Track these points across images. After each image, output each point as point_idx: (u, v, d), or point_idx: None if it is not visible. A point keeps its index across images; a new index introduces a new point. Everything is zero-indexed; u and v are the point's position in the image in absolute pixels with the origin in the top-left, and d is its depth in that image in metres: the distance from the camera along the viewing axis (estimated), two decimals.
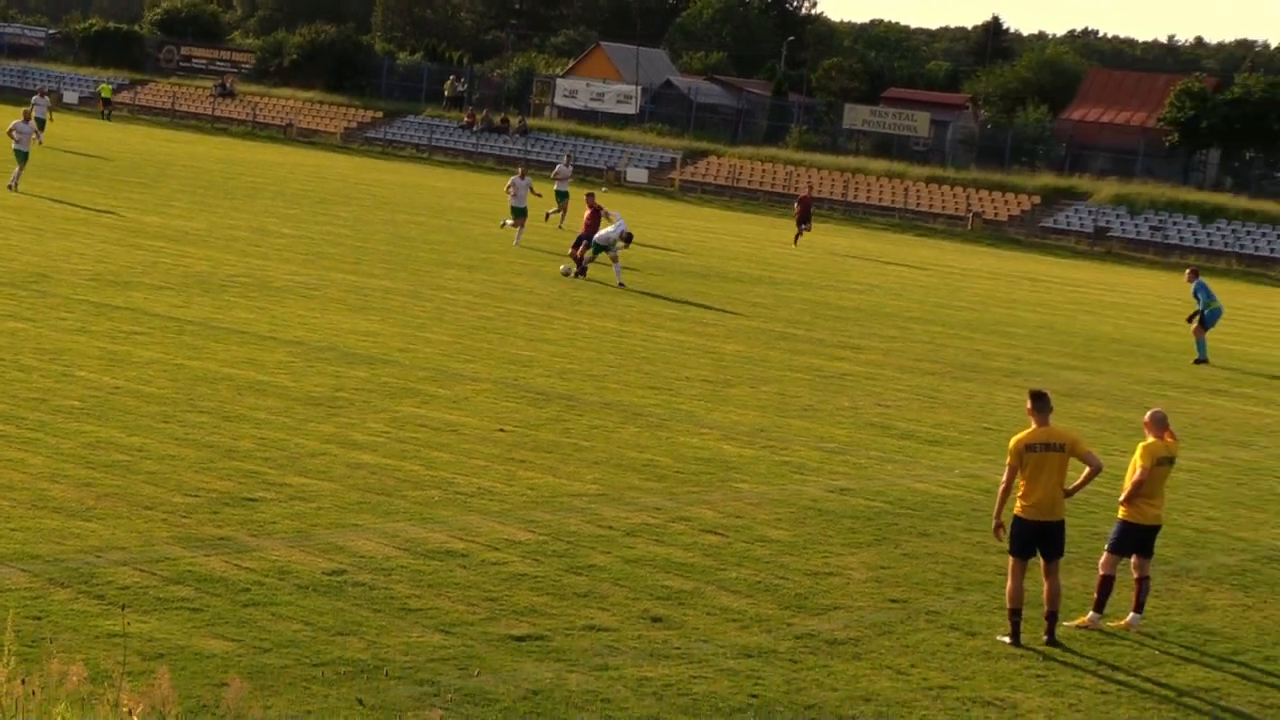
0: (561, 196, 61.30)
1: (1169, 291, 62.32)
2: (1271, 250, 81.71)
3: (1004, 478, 16.56)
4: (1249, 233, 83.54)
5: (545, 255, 48.82)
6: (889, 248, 72.57)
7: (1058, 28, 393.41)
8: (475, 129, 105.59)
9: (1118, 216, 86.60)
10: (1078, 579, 17.95)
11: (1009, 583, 16.48)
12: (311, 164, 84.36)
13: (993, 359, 37.41)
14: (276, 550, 16.72)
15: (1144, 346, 43.34)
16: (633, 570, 17.39)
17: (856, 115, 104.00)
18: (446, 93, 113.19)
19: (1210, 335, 40.81)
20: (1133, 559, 17.35)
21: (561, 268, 44.64)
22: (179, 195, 55.66)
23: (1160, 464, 17.29)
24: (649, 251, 52.43)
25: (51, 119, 63.47)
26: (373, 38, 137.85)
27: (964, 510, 21.82)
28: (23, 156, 51.09)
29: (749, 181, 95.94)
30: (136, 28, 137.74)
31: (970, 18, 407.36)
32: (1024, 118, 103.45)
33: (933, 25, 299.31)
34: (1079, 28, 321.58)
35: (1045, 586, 16.48)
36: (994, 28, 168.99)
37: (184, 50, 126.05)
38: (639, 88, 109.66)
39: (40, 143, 57.62)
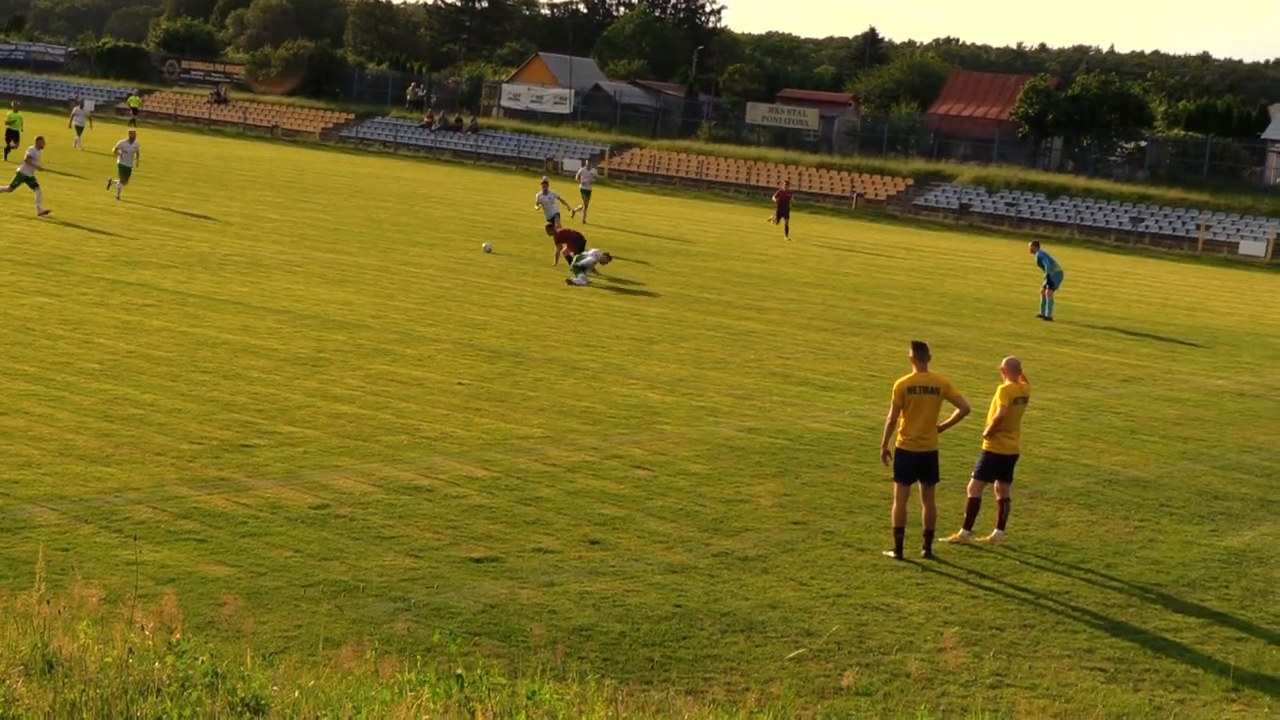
0: (585, 194, 60.19)
1: (1022, 258, 62.42)
2: (1106, 222, 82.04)
3: (889, 416, 16.59)
4: (1088, 207, 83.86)
5: (494, 237, 48.55)
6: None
7: (925, 36, 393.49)
8: (433, 128, 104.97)
9: (978, 195, 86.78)
10: (950, 501, 17.98)
11: (893, 505, 16.52)
12: (294, 159, 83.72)
13: (875, 317, 37.44)
14: (269, 489, 16.59)
15: (1002, 305, 43.48)
16: (574, 501, 17.32)
17: (757, 112, 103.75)
18: (409, 97, 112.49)
19: (1057, 295, 40.94)
20: (995, 484, 17.40)
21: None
22: (182, 187, 55.14)
23: (1016, 403, 17.35)
24: (585, 229, 52.18)
25: (90, 125, 61.37)
26: (345, 51, 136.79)
27: (853, 445, 21.82)
28: (125, 171, 48.91)
29: (667, 169, 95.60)
30: (143, 45, 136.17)
31: (851, 29, 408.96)
32: (898, 113, 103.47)
33: (820, 35, 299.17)
34: (943, 36, 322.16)
35: (923, 509, 16.51)
36: (871, 37, 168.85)
37: (184, 64, 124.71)
38: (572, 91, 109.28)
39: (80, 148, 56.38)
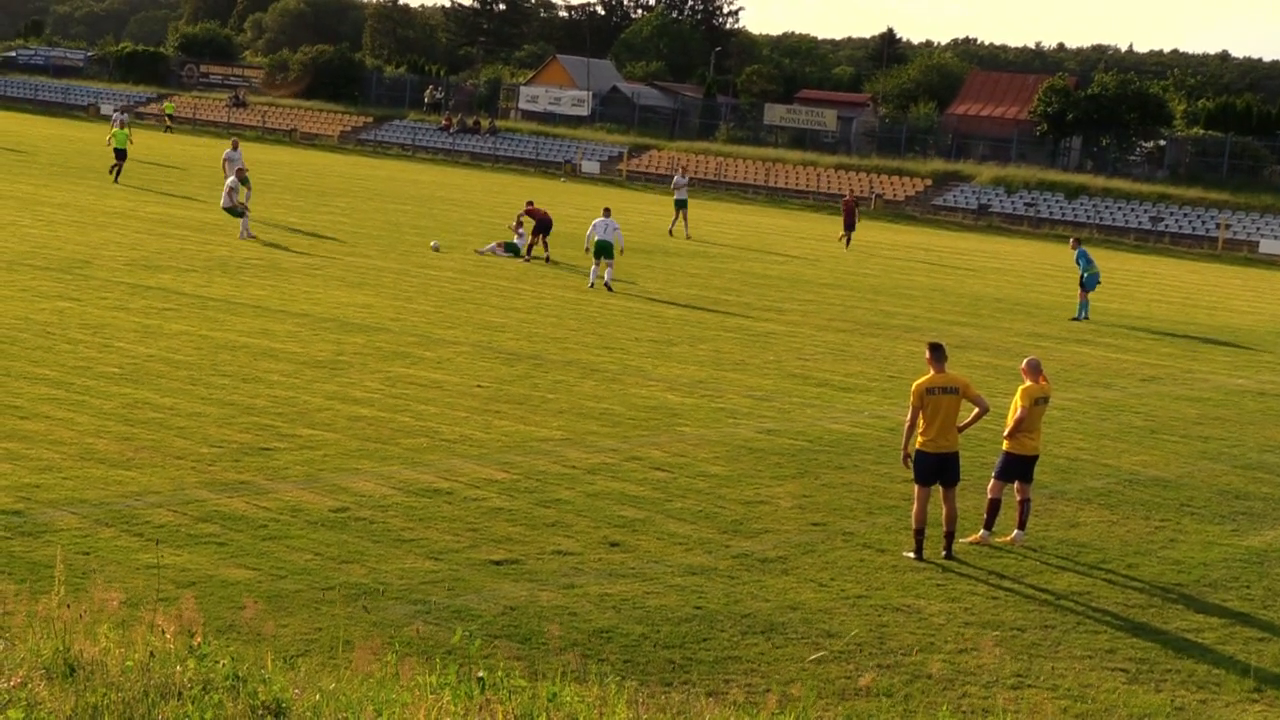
0: (680, 205, 58.44)
1: (1041, 258, 62.44)
2: (1126, 221, 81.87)
3: (908, 417, 16.55)
4: (1107, 207, 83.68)
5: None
6: (805, 225, 72.48)
7: (943, 36, 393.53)
8: (451, 130, 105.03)
9: (997, 195, 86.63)
10: (970, 502, 17.94)
11: (914, 506, 16.49)
12: (313, 163, 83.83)
13: (894, 318, 37.39)
14: (289, 492, 16.61)
15: (1021, 305, 43.41)
16: (593, 503, 17.32)
17: (775, 113, 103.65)
18: (426, 100, 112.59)
19: (1091, 297, 40.85)
20: (1016, 484, 17.36)
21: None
22: (201, 192, 55.22)
23: (1037, 403, 17.31)
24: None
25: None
26: (363, 54, 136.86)
27: (873, 446, 21.79)
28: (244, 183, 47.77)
29: (685, 170, 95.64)
30: (162, 49, 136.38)
31: (869, 29, 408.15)
32: (916, 113, 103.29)
33: (838, 36, 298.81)
34: (961, 36, 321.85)
35: (944, 509, 16.48)
36: (889, 37, 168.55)
37: (203, 68, 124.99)
38: (590, 93, 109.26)
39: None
